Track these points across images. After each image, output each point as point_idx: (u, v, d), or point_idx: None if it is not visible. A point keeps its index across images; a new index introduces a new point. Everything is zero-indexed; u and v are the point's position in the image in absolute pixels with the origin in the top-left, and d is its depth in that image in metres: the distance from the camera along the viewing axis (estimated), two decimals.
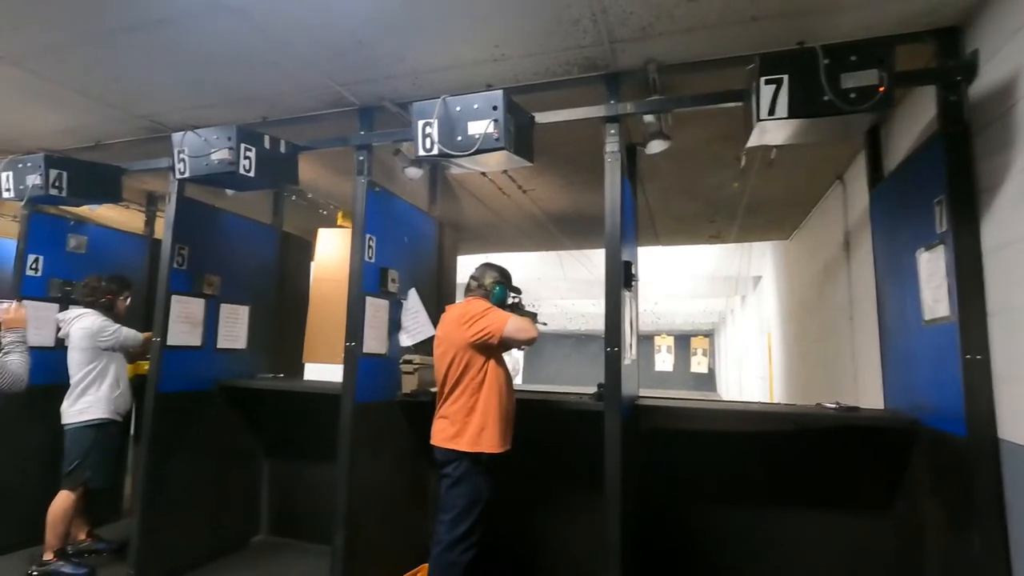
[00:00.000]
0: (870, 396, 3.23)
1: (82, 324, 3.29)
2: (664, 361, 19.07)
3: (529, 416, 2.75)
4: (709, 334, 23.74)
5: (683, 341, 22.00)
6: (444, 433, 2.57)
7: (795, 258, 6.05)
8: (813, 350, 5.24)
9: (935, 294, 2.21)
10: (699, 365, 21.02)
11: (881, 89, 1.78)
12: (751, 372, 11.31)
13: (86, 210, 4.01)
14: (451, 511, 2.52)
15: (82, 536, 3.49)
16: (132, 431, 3.88)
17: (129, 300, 3.56)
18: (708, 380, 22.71)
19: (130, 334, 3.40)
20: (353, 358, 2.82)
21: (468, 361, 2.55)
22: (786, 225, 5.67)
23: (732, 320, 15.85)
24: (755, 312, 10.28)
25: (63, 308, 3.70)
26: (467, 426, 2.52)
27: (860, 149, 3.42)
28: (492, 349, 2.57)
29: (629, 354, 2.72)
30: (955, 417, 2.04)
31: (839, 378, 4.18)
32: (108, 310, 3.41)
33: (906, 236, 2.47)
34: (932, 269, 2.23)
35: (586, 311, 16.49)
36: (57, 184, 3.08)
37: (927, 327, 2.28)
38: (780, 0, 2.03)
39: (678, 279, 10.30)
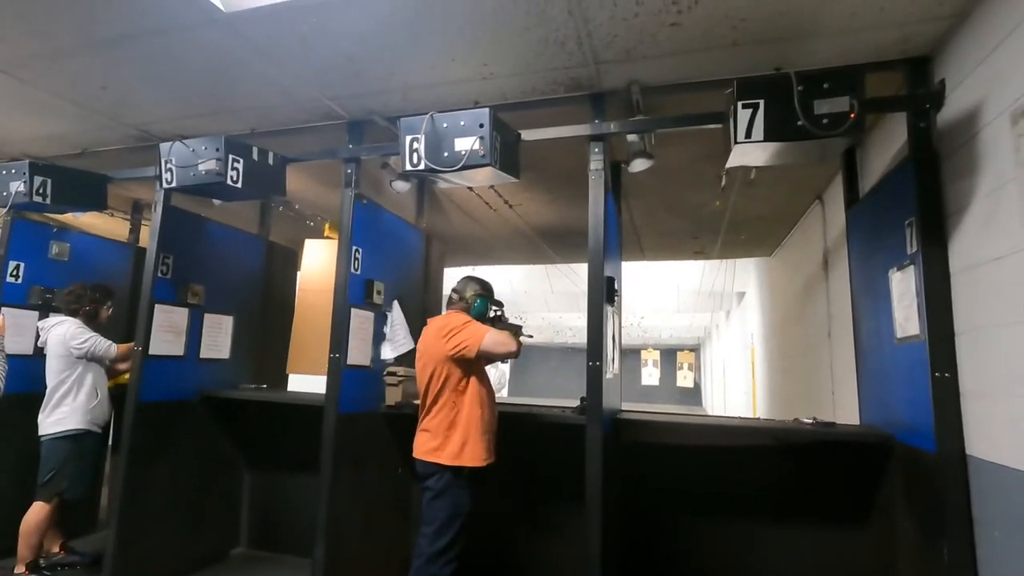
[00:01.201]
0: (847, 412, 3.29)
1: (58, 331, 3.27)
2: (650, 375, 19.17)
3: (512, 429, 2.76)
4: (695, 348, 23.89)
5: (669, 355, 22.12)
6: (426, 446, 2.57)
7: (777, 275, 6.15)
8: (795, 366, 5.32)
9: (906, 313, 2.28)
10: (685, 380, 21.11)
11: (852, 116, 1.85)
12: (735, 387, 11.40)
13: (70, 217, 3.99)
14: (432, 524, 2.51)
15: (56, 549, 3.42)
16: (110, 441, 3.83)
17: (112, 309, 3.54)
18: (694, 395, 22.80)
19: (102, 345, 3.32)
20: (337, 369, 2.83)
21: (448, 374, 2.56)
22: (768, 242, 5.77)
23: (717, 335, 15.99)
24: (739, 327, 10.40)
25: (43, 316, 3.66)
26: (449, 439, 2.53)
27: (838, 170, 3.52)
28: (471, 363, 2.58)
29: (611, 368, 2.75)
30: (925, 433, 2.10)
31: (819, 394, 4.25)
32: (91, 319, 3.38)
33: (880, 256, 2.54)
34: (903, 289, 2.29)
35: (573, 324, 16.54)
36: (41, 191, 3.06)
37: (899, 345, 2.35)
38: (760, 27, 2.10)
39: (664, 293, 10.40)
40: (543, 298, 11.14)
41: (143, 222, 4.54)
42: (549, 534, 3.15)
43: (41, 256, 3.78)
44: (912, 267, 2.22)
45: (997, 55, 1.85)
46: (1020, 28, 1.74)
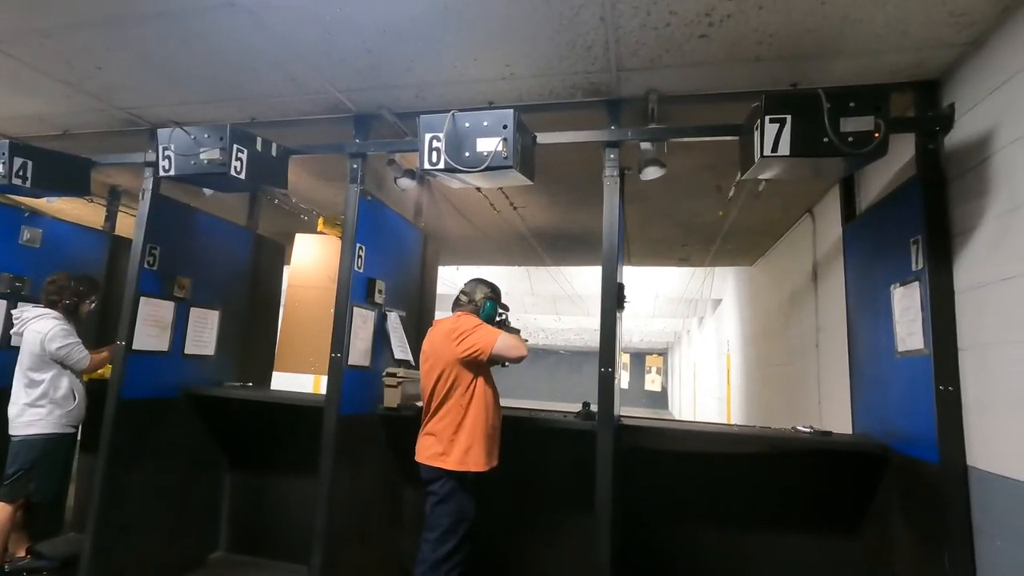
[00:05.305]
0: (835, 421, 3.39)
1: (37, 327, 3.07)
2: (620, 378, 19.36)
3: (515, 434, 2.73)
4: (663, 353, 24.30)
5: (638, 359, 22.46)
6: (430, 450, 2.52)
7: (759, 285, 6.30)
8: (776, 374, 5.45)
9: (909, 328, 2.35)
10: (653, 383, 21.45)
11: (876, 135, 1.89)
12: (707, 392, 11.63)
13: (43, 202, 3.76)
14: (436, 530, 2.47)
15: (21, 552, 3.21)
16: (79, 438, 3.62)
17: (94, 304, 3.35)
18: (661, 398, 23.21)
19: (76, 355, 3.11)
20: (339, 369, 2.74)
21: (456, 377, 2.52)
22: (752, 252, 5.91)
23: (688, 340, 16.28)
24: (714, 334, 10.61)
25: (12, 305, 3.45)
26: (454, 444, 2.49)
27: (832, 185, 3.62)
28: (481, 366, 2.55)
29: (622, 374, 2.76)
30: (928, 444, 2.17)
31: (803, 402, 4.36)
32: (71, 312, 3.19)
33: (881, 271, 2.61)
34: (907, 304, 2.37)
35: (547, 326, 16.59)
36: (21, 173, 2.87)
37: (900, 358, 2.42)
38: (785, 43, 2.14)
39: (643, 299, 10.53)
40: (520, 299, 11.13)
41: (121, 209, 4.33)
42: (550, 540, 3.13)
43: (11, 242, 3.56)
44: (917, 283, 2.29)
45: (1013, 84, 1.92)
46: None
